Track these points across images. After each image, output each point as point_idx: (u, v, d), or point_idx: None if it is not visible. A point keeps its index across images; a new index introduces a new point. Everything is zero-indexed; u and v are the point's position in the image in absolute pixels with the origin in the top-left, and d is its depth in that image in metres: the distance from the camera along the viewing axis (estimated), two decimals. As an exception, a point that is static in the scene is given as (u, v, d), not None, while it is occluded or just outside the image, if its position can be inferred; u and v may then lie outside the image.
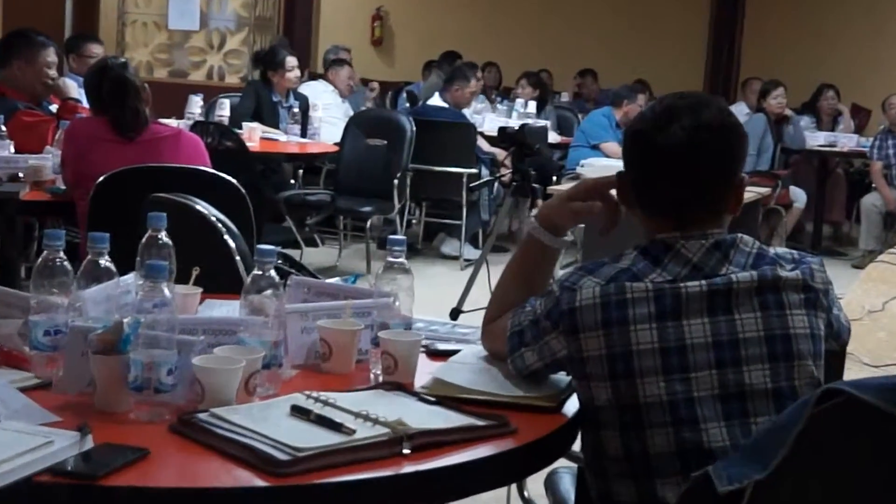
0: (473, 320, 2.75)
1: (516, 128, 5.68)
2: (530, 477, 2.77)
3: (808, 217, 10.37)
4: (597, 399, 2.13)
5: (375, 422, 2.00)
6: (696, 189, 2.17)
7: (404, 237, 2.59)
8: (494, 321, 2.38)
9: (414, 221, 8.96)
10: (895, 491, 1.68)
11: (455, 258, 8.37)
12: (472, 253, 8.16)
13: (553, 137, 9.78)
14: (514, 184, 5.33)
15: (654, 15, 13.14)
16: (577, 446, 2.29)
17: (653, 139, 2.17)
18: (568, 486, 2.59)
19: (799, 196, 9.89)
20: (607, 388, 2.11)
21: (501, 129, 5.69)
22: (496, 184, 8.43)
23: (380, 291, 2.47)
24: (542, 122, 9.81)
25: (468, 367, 2.38)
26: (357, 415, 2.02)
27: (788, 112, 10.09)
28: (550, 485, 2.66)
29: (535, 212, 2.51)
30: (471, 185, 7.72)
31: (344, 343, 2.41)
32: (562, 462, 2.37)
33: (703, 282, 2.11)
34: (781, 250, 2.23)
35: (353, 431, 1.95)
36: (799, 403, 1.69)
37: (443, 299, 5.77)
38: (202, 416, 2.00)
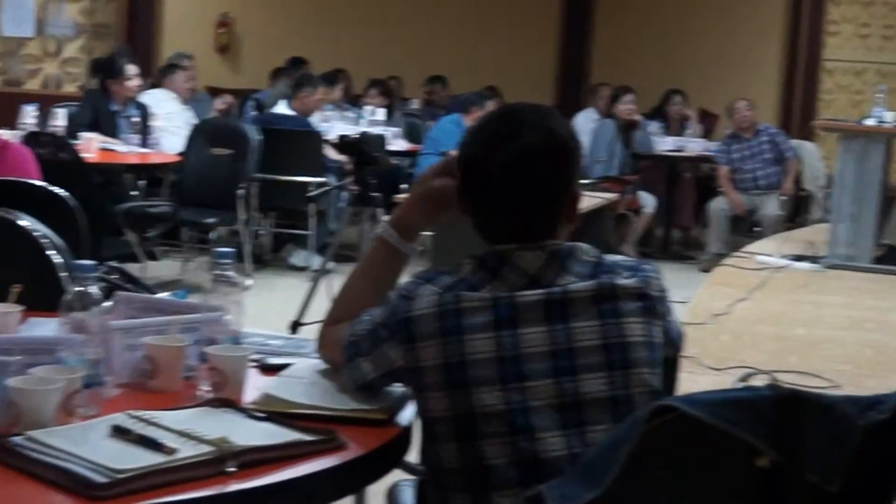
0: (315, 333, 2.69)
1: (355, 136, 5.65)
2: (373, 491, 2.72)
3: (658, 222, 10.52)
4: (434, 410, 2.10)
5: (199, 440, 1.93)
6: (529, 211, 2.15)
7: (232, 249, 2.52)
8: (334, 325, 2.32)
9: (262, 232, 8.83)
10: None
11: (304, 269, 8.28)
12: (321, 264, 8.06)
13: (402, 145, 9.77)
14: (354, 193, 5.27)
15: (505, 21, 13.22)
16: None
17: (476, 164, 2.16)
18: (408, 500, 2.55)
19: (648, 201, 10.02)
20: (444, 399, 2.07)
21: (341, 138, 5.66)
22: (344, 193, 8.37)
23: (208, 306, 2.40)
24: (391, 130, 9.83)
25: (299, 381, 2.33)
26: (180, 433, 1.95)
27: (637, 117, 10.23)
28: (391, 498, 2.61)
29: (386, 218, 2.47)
30: (308, 194, 7.65)
31: (169, 360, 2.33)
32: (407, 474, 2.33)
33: (540, 291, 2.09)
34: (618, 258, 2.22)
35: (175, 451, 1.88)
36: (630, 421, 1.68)
37: (291, 311, 5.69)
38: (17, 439, 1.91)
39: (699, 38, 12.68)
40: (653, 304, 2.15)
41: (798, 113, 12.23)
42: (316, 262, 8.19)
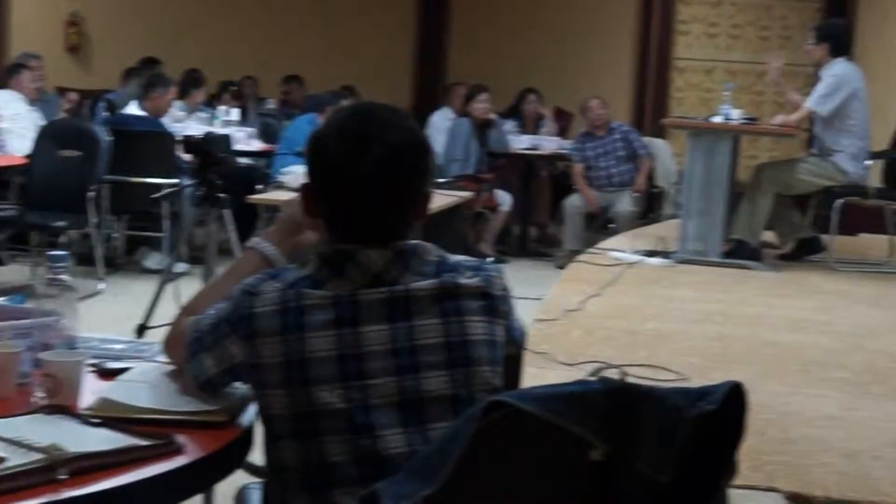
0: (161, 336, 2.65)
1: (199, 137, 5.58)
2: (222, 494, 2.69)
3: (515, 220, 10.59)
4: (274, 408, 2.08)
5: (29, 448, 1.88)
6: (387, 211, 2.14)
7: (66, 252, 2.46)
8: (185, 320, 2.29)
9: (115, 235, 8.67)
10: (560, 499, 1.68)
11: (159, 272, 8.14)
12: (176, 266, 7.94)
13: (257, 145, 9.68)
14: (200, 194, 5.20)
15: (361, 20, 13.18)
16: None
17: (342, 166, 2.12)
18: (256, 502, 2.52)
19: (505, 199, 10.08)
20: (284, 396, 2.06)
21: (186, 139, 5.58)
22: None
23: (41, 310, 2.34)
24: (246, 130, 9.75)
25: (139, 384, 2.28)
26: (10, 441, 1.90)
27: (493, 116, 10.29)
28: (239, 501, 2.58)
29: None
30: (153, 195, 7.54)
31: (1, 366, 2.26)
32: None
33: (383, 289, 2.08)
34: (461, 258, 2.21)
35: (4, 459, 1.82)
36: (464, 417, 1.67)
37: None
38: None
39: (553, 37, 12.80)
40: (495, 303, 2.16)
41: (650, 111, 12.43)
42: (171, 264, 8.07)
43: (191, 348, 2.19)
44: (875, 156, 7.50)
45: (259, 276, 2.13)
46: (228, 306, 2.12)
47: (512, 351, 2.27)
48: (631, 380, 4.18)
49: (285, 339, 2.05)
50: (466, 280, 2.14)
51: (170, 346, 2.35)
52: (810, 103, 7.47)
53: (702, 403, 1.69)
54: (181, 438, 2.02)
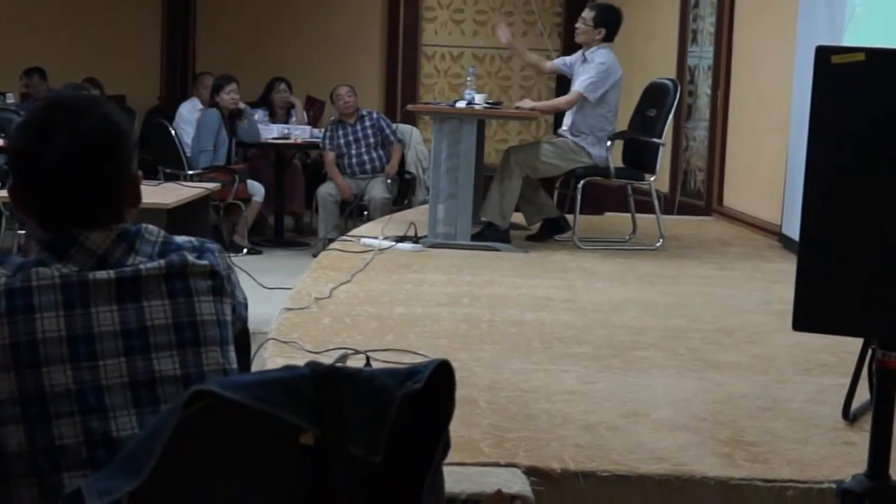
0: None
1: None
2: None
3: (269, 210, 10.53)
4: None
5: None
6: (90, 200, 2.12)
7: None
8: None
9: None
10: (271, 485, 1.67)
11: None
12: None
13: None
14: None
15: (105, 10, 12.84)
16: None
17: (29, 158, 2.10)
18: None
19: (257, 189, 10.02)
20: (11, 379, 2.01)
21: None
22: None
23: None
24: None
25: None
26: None
27: (242, 106, 10.19)
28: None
29: None
30: None
31: None
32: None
33: (112, 271, 2.07)
34: (182, 239, 2.22)
35: None
36: (168, 409, 1.65)
37: None
38: None
39: (301, 25, 12.75)
40: (221, 283, 2.19)
41: (401, 97, 12.52)
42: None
43: None
44: (616, 136, 7.72)
45: None
46: None
47: (238, 327, 2.29)
48: (376, 365, 4.21)
49: (13, 320, 2.01)
50: (193, 260, 2.15)
51: None
52: (581, 88, 7.63)
53: (409, 383, 1.70)
54: None
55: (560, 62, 8.26)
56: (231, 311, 2.21)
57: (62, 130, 2.08)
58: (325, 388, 1.65)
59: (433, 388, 1.73)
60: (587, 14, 7.87)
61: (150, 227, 2.17)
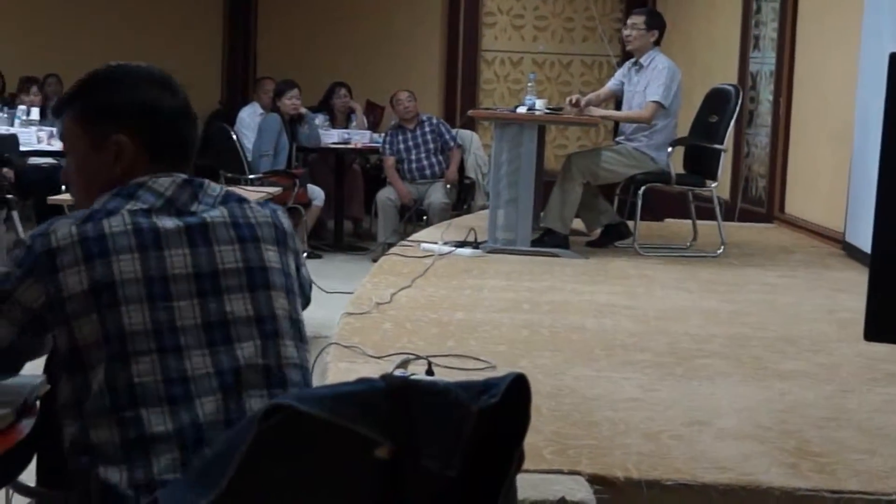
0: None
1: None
2: None
3: (329, 214, 10.57)
4: (81, 339, 2.08)
5: None
6: (193, 147, 2.33)
7: None
8: None
9: None
10: (346, 498, 1.68)
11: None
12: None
13: (60, 145, 9.42)
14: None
15: (168, 15, 12.96)
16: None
17: (164, 108, 2.32)
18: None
19: (317, 194, 10.06)
20: (94, 322, 2.07)
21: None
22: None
23: None
24: (48, 129, 9.50)
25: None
26: None
27: (303, 111, 10.24)
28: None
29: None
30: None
31: None
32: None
33: (179, 221, 2.16)
34: (244, 194, 2.36)
35: None
36: (245, 422, 1.67)
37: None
38: None
39: (361, 30, 12.80)
40: (284, 236, 2.29)
41: (460, 102, 12.53)
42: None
43: None
44: (677, 142, 7.68)
45: (46, 223, 2.15)
46: (20, 254, 2.12)
47: (301, 301, 2.37)
48: (438, 370, 4.22)
49: (90, 266, 2.07)
50: (257, 209, 2.27)
51: None
52: (658, 97, 7.56)
53: (485, 397, 1.70)
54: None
55: (613, 84, 8.07)
56: (294, 266, 2.31)
57: (175, 92, 2.37)
58: (399, 401, 1.65)
59: (508, 401, 1.73)
60: (636, 19, 7.83)
61: (213, 184, 2.29)
